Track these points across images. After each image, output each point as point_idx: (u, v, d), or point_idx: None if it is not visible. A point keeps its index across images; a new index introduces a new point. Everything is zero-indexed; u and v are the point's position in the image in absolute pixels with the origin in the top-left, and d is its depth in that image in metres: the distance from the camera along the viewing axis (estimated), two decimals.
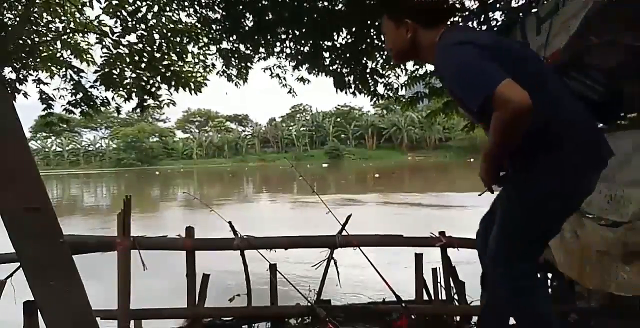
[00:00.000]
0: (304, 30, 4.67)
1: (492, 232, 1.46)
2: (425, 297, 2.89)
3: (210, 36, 5.20)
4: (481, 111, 1.18)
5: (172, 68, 5.19)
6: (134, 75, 5.19)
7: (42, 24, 5.03)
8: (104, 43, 4.98)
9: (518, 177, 1.38)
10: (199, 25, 5.13)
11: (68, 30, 5.20)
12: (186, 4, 4.98)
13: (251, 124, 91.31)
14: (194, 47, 5.30)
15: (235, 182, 28.76)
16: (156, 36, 4.91)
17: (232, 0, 4.49)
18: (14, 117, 1.39)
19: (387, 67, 5.20)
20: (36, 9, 4.86)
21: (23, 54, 4.91)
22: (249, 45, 5.10)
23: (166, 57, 5.14)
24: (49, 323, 1.46)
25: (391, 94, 5.34)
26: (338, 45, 4.85)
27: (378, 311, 2.91)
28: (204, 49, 5.45)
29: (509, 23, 3.24)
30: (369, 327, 2.82)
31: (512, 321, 1.54)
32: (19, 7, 4.78)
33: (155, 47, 4.94)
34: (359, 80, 5.09)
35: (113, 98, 5.39)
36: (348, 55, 4.90)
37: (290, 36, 4.88)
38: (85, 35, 5.39)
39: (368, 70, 5.11)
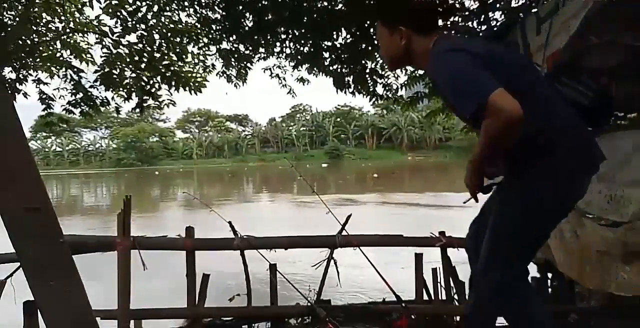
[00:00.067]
0: (303, 30, 4.68)
1: (484, 236, 1.47)
2: (425, 297, 2.89)
3: (210, 36, 5.20)
4: (473, 118, 1.21)
5: (172, 68, 5.19)
6: (133, 75, 5.20)
7: (42, 24, 5.03)
8: (104, 43, 4.99)
9: (512, 182, 1.40)
10: (199, 26, 5.13)
11: (68, 30, 5.20)
12: (186, 4, 4.98)
13: (251, 124, 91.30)
14: (193, 47, 5.31)
15: (235, 182, 28.76)
16: (156, 36, 4.92)
17: (232, 0, 4.49)
18: (14, 117, 1.39)
19: (386, 67, 5.20)
20: (36, 9, 4.86)
21: (23, 54, 4.91)
22: (248, 46, 5.10)
23: (166, 57, 5.15)
24: (49, 323, 1.46)
25: (390, 95, 5.34)
26: (338, 46, 4.85)
27: (378, 311, 2.91)
28: (203, 49, 5.46)
29: (509, 23, 3.24)
30: (369, 327, 2.82)
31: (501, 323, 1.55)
32: (19, 7, 4.78)
33: (155, 47, 4.95)
34: (358, 80, 5.10)
35: (113, 98, 5.40)
36: (347, 55, 4.91)
37: (290, 36, 4.89)
38: (85, 35, 5.39)
39: (367, 71, 5.11)
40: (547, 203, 1.34)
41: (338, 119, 79.06)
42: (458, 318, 2.87)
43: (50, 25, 5.12)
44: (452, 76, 1.29)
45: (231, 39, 5.03)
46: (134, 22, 4.74)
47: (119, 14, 4.64)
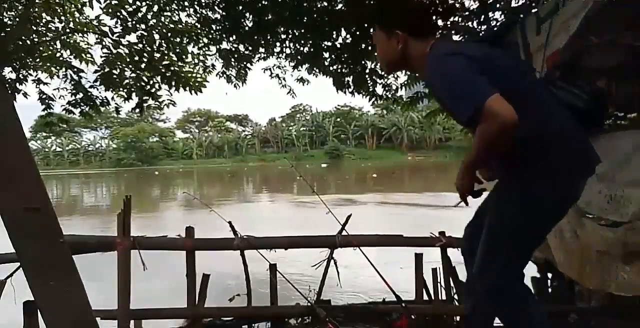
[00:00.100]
0: (303, 30, 4.68)
1: (480, 238, 1.47)
2: (425, 297, 2.89)
3: (210, 36, 5.20)
4: (469, 122, 1.22)
5: (172, 68, 5.19)
6: (133, 75, 5.19)
7: (42, 24, 5.03)
8: (103, 43, 4.98)
9: (511, 183, 1.40)
10: (199, 26, 5.13)
11: (68, 30, 5.19)
12: (186, 4, 4.98)
13: (251, 124, 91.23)
14: (193, 47, 5.31)
15: (235, 182, 28.76)
16: (156, 36, 4.92)
17: (232, 0, 4.49)
18: (14, 117, 1.39)
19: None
20: (36, 9, 4.86)
21: (23, 54, 4.91)
22: (248, 46, 5.11)
23: (166, 57, 5.14)
24: (49, 323, 1.46)
25: (390, 95, 5.34)
26: (338, 46, 4.85)
27: (378, 311, 2.91)
28: (203, 49, 5.46)
29: (509, 23, 3.24)
30: (369, 327, 2.82)
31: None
32: (19, 7, 4.78)
33: (155, 47, 4.94)
34: (358, 80, 5.10)
35: (113, 98, 5.40)
36: (347, 55, 4.91)
37: (290, 36, 4.89)
38: (85, 35, 5.39)
39: (367, 71, 5.11)
40: (547, 203, 1.35)
41: (338, 119, 79.04)
42: (458, 318, 2.88)
43: (50, 25, 5.12)
44: (449, 80, 1.30)
45: (231, 39, 5.03)
46: (134, 22, 4.74)
47: (119, 14, 4.64)
